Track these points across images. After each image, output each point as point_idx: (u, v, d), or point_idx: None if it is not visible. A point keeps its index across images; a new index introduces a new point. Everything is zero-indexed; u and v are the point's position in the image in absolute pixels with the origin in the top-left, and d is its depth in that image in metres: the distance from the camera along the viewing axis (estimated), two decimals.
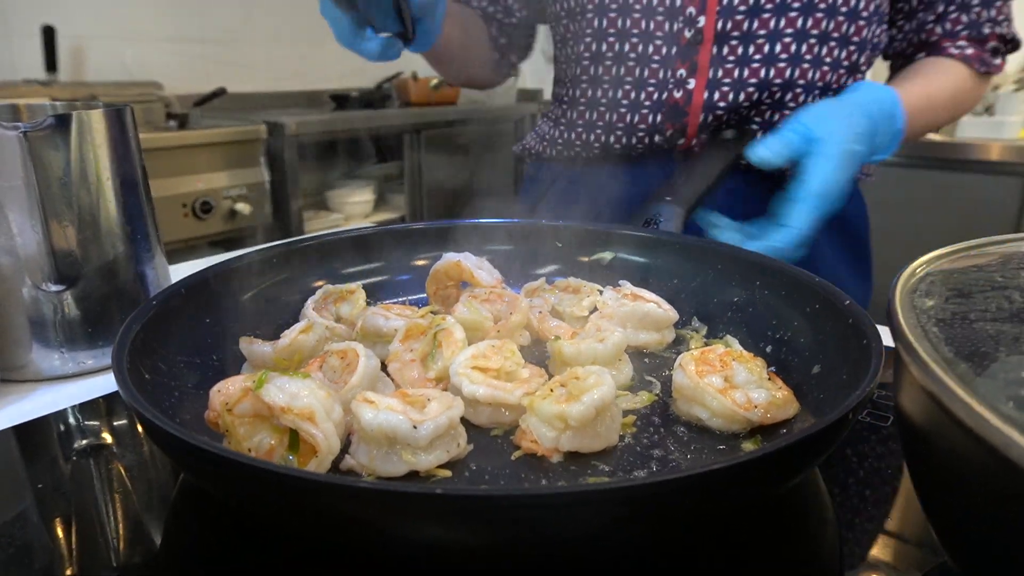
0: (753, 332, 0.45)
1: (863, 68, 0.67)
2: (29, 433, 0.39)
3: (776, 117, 0.64)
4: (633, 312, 0.42)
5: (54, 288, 0.40)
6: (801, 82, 0.62)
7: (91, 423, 0.41)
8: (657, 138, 0.65)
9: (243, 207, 1.92)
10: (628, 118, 0.65)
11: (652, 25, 0.63)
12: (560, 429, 0.31)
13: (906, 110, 0.57)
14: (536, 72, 2.97)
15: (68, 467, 0.38)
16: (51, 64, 1.90)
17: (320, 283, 0.47)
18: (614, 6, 0.64)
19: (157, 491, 0.35)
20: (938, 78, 0.65)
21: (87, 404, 0.41)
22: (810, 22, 0.60)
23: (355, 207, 2.37)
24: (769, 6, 0.60)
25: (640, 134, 0.65)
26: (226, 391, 0.29)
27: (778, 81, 0.61)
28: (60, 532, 0.31)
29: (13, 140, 0.37)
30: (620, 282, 0.47)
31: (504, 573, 0.26)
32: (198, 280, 0.39)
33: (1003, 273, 0.32)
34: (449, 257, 0.46)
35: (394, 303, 0.47)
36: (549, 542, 0.24)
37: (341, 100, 2.57)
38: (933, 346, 0.23)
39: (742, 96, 0.62)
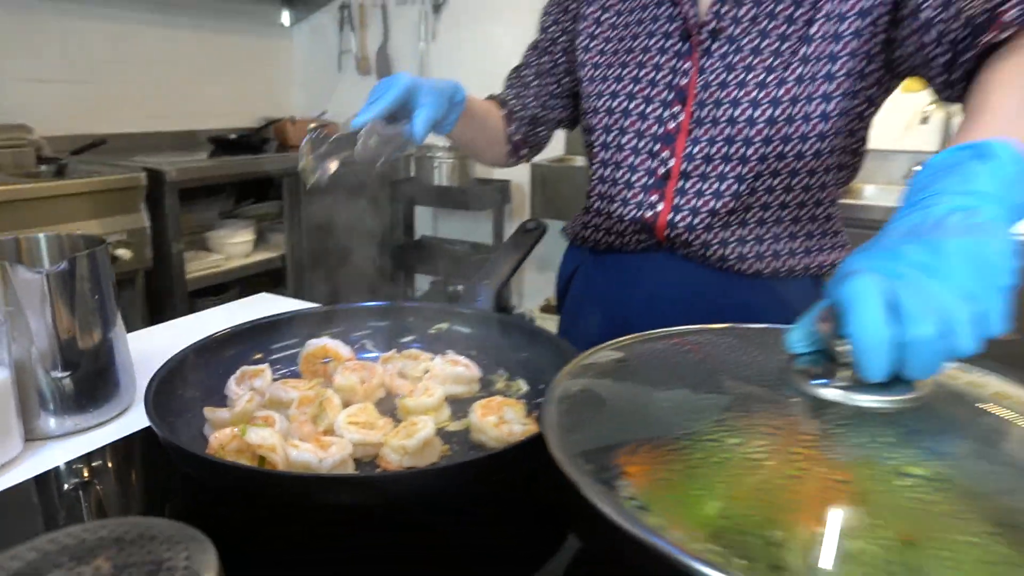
0: (535, 377, 0.72)
1: (816, 204, 0.80)
2: (43, 478, 0.58)
3: (726, 234, 0.80)
4: (450, 373, 0.68)
5: (60, 374, 0.59)
6: (742, 209, 0.79)
7: (78, 466, 0.61)
8: (636, 245, 0.86)
9: (123, 252, 1.99)
10: (616, 228, 0.87)
11: (637, 161, 0.83)
12: (402, 454, 0.55)
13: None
14: None
15: (65, 500, 0.57)
16: None
17: (258, 355, 0.70)
18: (614, 145, 0.86)
19: (124, 513, 0.55)
20: None
21: (81, 456, 0.61)
22: (745, 168, 0.77)
23: (235, 247, 2.46)
24: (717, 156, 0.77)
25: (624, 240, 0.87)
26: (222, 436, 0.52)
27: (724, 211, 0.79)
28: None
29: (38, 280, 0.56)
30: (447, 351, 0.73)
31: (371, 526, 0.50)
32: (176, 362, 0.61)
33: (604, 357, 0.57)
34: (316, 343, 0.71)
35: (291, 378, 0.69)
36: (389, 504, 0.48)
37: (219, 143, 2.65)
38: (559, 413, 0.48)
39: (697, 219, 0.80)
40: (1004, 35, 0.57)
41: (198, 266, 2.32)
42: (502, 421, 0.60)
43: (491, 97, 1.01)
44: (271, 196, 2.68)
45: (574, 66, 0.95)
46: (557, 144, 2.29)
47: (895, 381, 0.41)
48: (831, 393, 0.42)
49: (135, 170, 2.06)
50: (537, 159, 2.49)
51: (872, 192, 2.27)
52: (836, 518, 0.33)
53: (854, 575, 0.30)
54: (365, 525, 0.50)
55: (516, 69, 1.02)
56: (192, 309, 2.30)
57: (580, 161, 2.46)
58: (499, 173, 2.87)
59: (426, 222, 3.17)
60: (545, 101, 0.98)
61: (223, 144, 2.63)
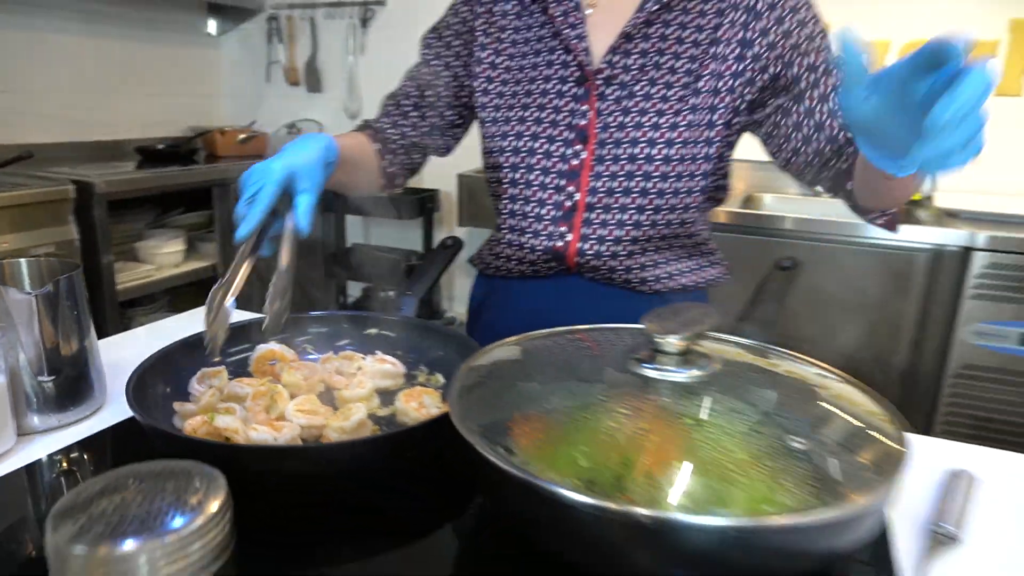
0: (451, 372, 0.85)
1: (699, 230, 0.93)
2: (31, 468, 0.69)
3: (631, 262, 0.90)
4: (379, 370, 0.82)
5: (45, 379, 0.70)
6: (644, 239, 0.89)
7: (57, 457, 0.71)
8: (548, 271, 0.95)
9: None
10: (528, 257, 0.96)
11: (546, 195, 0.90)
12: (340, 434, 0.69)
13: None
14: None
15: (49, 484, 0.68)
16: None
17: (216, 358, 0.81)
18: (522, 181, 0.91)
19: None
20: None
21: (61, 448, 0.72)
22: (645, 200, 0.87)
23: (166, 257, 2.49)
24: (619, 190, 0.87)
25: (536, 268, 0.96)
26: (193, 423, 0.64)
27: (628, 239, 0.89)
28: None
29: (27, 300, 0.67)
30: (376, 351, 0.87)
31: (318, 492, 0.64)
32: (147, 365, 0.72)
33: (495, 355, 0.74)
34: (265, 347, 0.83)
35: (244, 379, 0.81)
36: (329, 468, 0.62)
37: (147, 153, 2.65)
38: (459, 395, 0.63)
39: (604, 247, 0.89)
40: None
41: (128, 277, 2.34)
42: (422, 406, 0.75)
43: (365, 126, 1.02)
44: (200, 206, 2.70)
45: (458, 99, 1.01)
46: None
47: (695, 361, 0.58)
48: (652, 372, 0.59)
49: (63, 183, 2.08)
50: (463, 169, 2.66)
51: (770, 201, 2.54)
52: (638, 453, 0.50)
53: (652, 488, 0.46)
54: (313, 495, 0.64)
55: (393, 97, 1.03)
56: (123, 319, 2.33)
57: None
58: (428, 183, 3.00)
59: (357, 231, 3.26)
60: (425, 132, 1.02)
61: (151, 154, 2.64)
